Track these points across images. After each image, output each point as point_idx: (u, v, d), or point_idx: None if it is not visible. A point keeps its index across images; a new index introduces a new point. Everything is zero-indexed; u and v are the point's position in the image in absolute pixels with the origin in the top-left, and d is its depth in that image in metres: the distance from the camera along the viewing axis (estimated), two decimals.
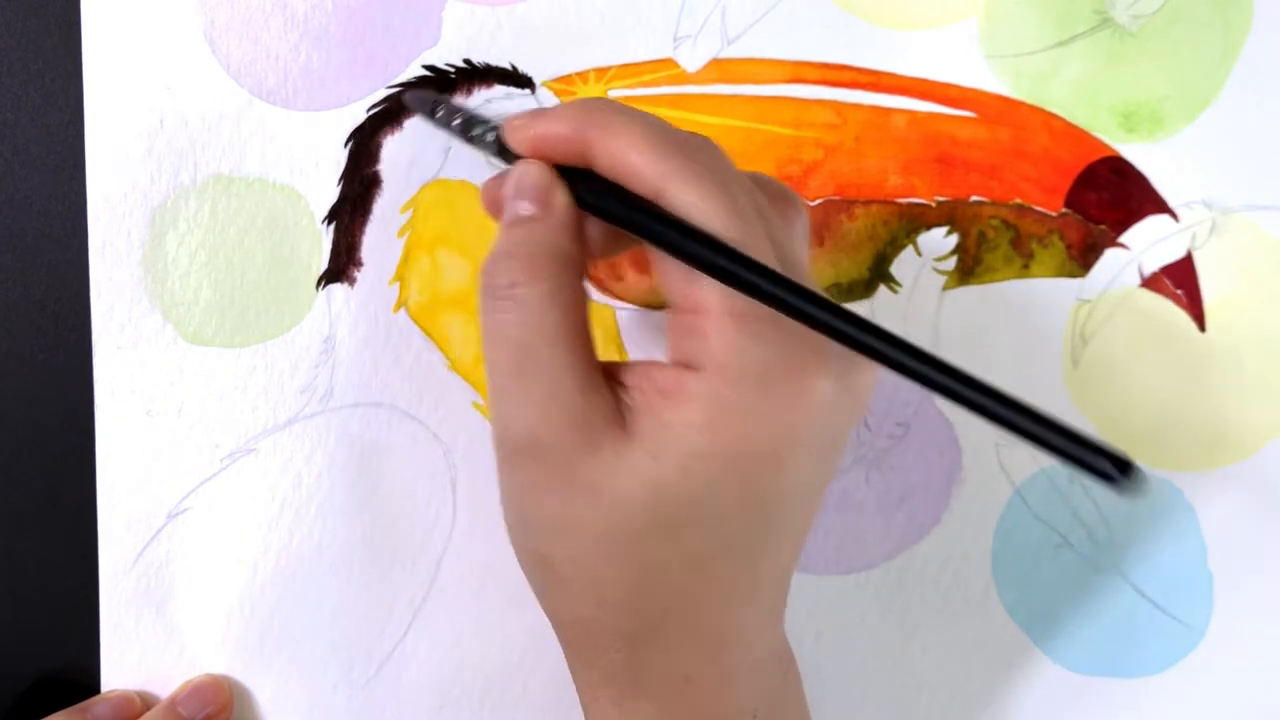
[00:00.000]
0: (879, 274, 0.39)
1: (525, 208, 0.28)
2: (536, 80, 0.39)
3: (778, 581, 0.30)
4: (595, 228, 0.29)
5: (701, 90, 0.39)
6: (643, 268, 0.39)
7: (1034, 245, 0.39)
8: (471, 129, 0.32)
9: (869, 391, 0.29)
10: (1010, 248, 0.39)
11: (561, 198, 0.28)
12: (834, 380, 0.27)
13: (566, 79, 0.39)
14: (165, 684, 0.39)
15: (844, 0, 0.39)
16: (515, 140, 0.29)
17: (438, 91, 0.39)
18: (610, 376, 0.28)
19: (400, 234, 0.39)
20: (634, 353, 0.39)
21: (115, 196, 0.39)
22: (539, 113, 0.29)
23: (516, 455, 0.28)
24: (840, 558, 0.40)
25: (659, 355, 0.39)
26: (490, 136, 0.31)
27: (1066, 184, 0.39)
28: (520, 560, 0.29)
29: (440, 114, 0.34)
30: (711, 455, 0.26)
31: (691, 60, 0.39)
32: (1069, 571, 0.40)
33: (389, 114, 0.39)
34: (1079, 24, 0.40)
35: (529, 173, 0.28)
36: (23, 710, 0.39)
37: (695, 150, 0.27)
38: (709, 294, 0.26)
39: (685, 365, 0.27)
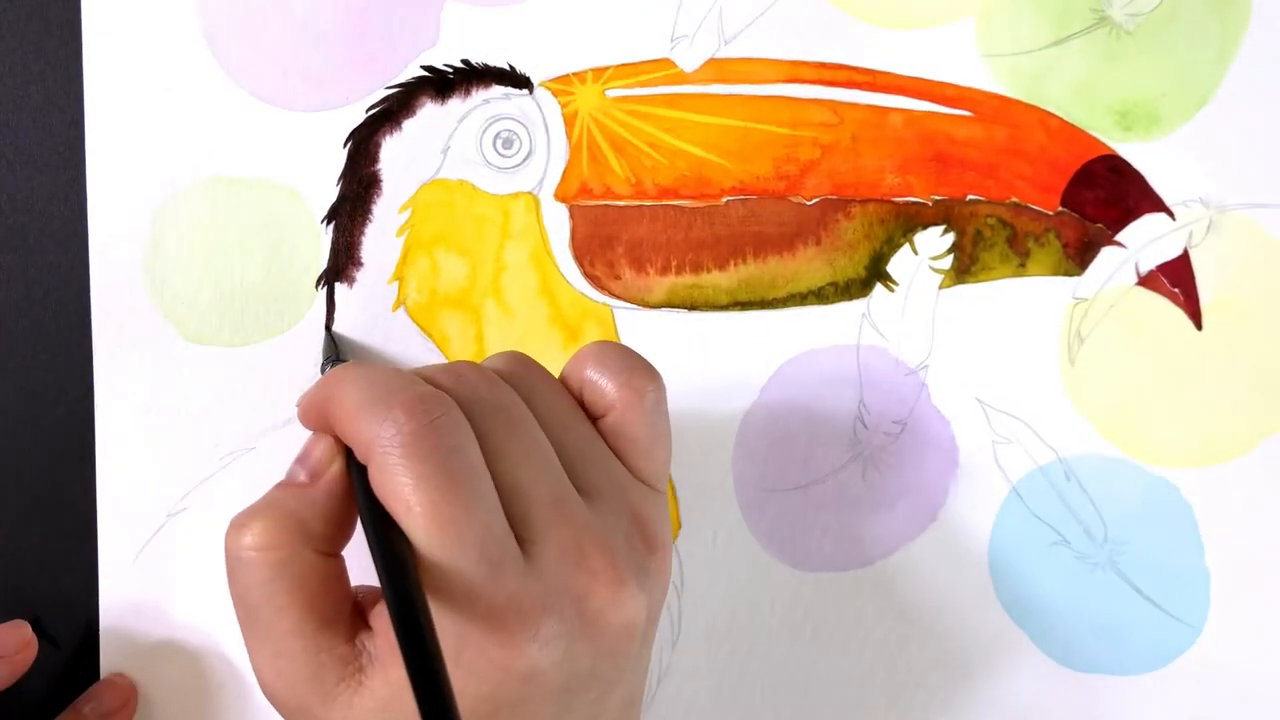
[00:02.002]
0: (876, 273, 0.40)
1: (298, 473, 0.29)
2: (534, 80, 0.39)
3: None
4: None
5: (698, 90, 0.39)
6: (640, 266, 0.39)
7: (1030, 244, 0.39)
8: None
9: (622, 633, 0.28)
10: (1006, 246, 0.39)
11: (332, 476, 0.29)
12: (542, 648, 0.26)
13: (564, 79, 0.39)
14: (163, 682, 0.39)
15: (841, 0, 0.40)
16: (299, 417, 0.30)
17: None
18: (362, 617, 0.28)
19: (399, 234, 0.39)
20: None
21: (115, 196, 0.39)
22: (309, 390, 0.30)
23: (268, 699, 0.29)
24: (837, 555, 0.40)
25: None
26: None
27: (1063, 182, 0.39)
28: None
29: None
30: None
31: (689, 60, 0.39)
32: (1066, 569, 0.40)
33: (388, 114, 0.39)
34: (1076, 23, 0.40)
35: (314, 445, 0.29)
36: (23, 708, 0.39)
37: (401, 412, 0.27)
38: (420, 564, 0.26)
39: (374, 633, 0.28)
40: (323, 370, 0.37)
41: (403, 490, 0.26)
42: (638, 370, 0.31)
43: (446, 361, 0.34)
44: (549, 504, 0.28)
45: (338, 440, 0.29)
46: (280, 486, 0.29)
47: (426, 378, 0.29)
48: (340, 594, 0.29)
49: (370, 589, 0.29)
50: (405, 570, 0.25)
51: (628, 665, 0.29)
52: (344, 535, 0.29)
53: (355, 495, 0.28)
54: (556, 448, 0.29)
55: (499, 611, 0.26)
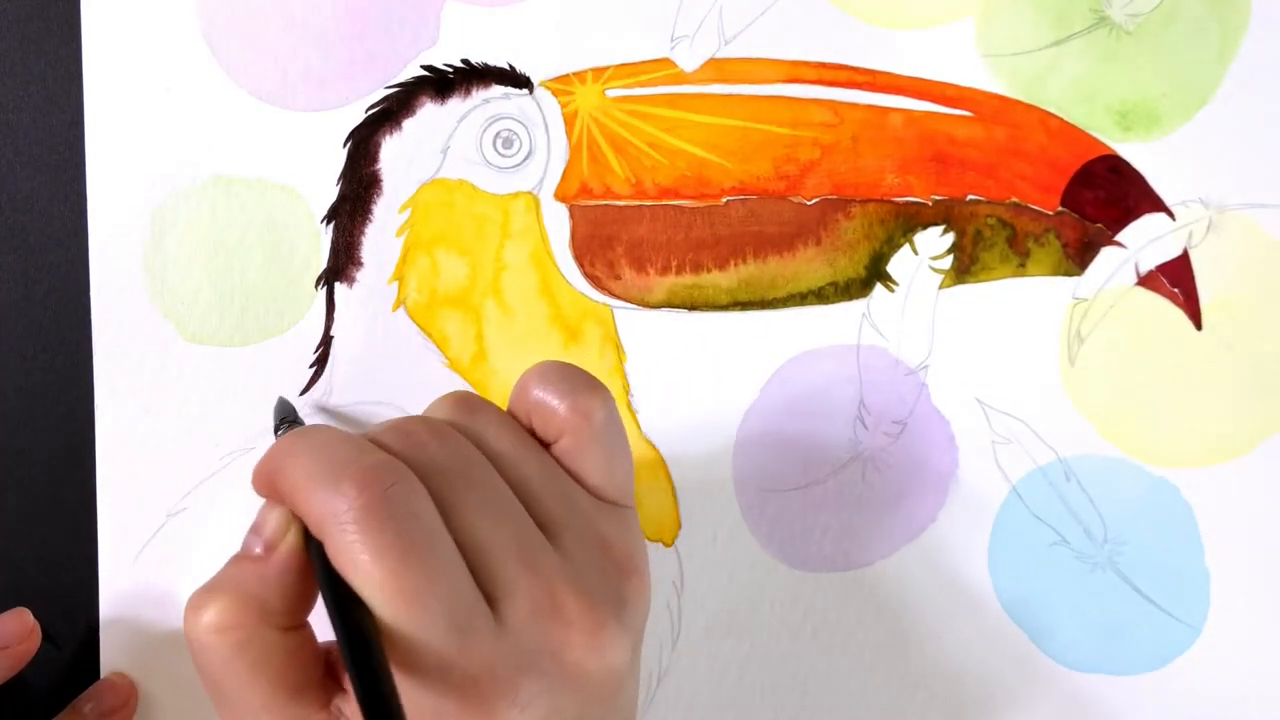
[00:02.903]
0: (876, 273, 0.40)
1: (253, 545, 0.28)
2: (535, 80, 0.39)
3: None
4: None
5: (698, 90, 0.39)
6: (640, 266, 0.39)
7: (1030, 244, 0.39)
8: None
9: (604, 679, 0.28)
10: (1006, 246, 0.39)
11: (288, 548, 0.27)
12: (524, 711, 0.26)
13: (564, 79, 0.39)
14: (163, 682, 0.39)
15: (841, 0, 0.40)
16: (252, 483, 0.29)
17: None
18: (335, 679, 0.28)
19: (399, 233, 0.39)
20: (632, 351, 0.40)
21: (115, 196, 0.39)
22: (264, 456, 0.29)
23: None
24: (837, 555, 0.40)
25: (655, 357, 0.39)
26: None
27: (1063, 183, 0.39)
28: None
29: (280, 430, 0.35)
30: None
31: (689, 60, 0.39)
32: (1066, 569, 0.40)
33: (387, 114, 0.39)
34: (1076, 23, 0.40)
35: (268, 516, 0.28)
36: (24, 707, 0.39)
37: (352, 486, 0.26)
38: (386, 639, 0.25)
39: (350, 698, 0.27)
40: (276, 433, 0.35)
41: (361, 564, 0.25)
42: (581, 390, 0.30)
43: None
44: (514, 557, 0.27)
45: (289, 514, 0.28)
46: (236, 561, 0.28)
47: (375, 441, 0.28)
48: (308, 660, 0.28)
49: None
50: (369, 648, 0.25)
51: (616, 704, 0.28)
52: (305, 607, 0.28)
53: (315, 565, 0.27)
54: (515, 485, 0.29)
55: (474, 680, 0.25)
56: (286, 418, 0.36)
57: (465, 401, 0.31)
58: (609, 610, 0.28)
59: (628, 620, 0.28)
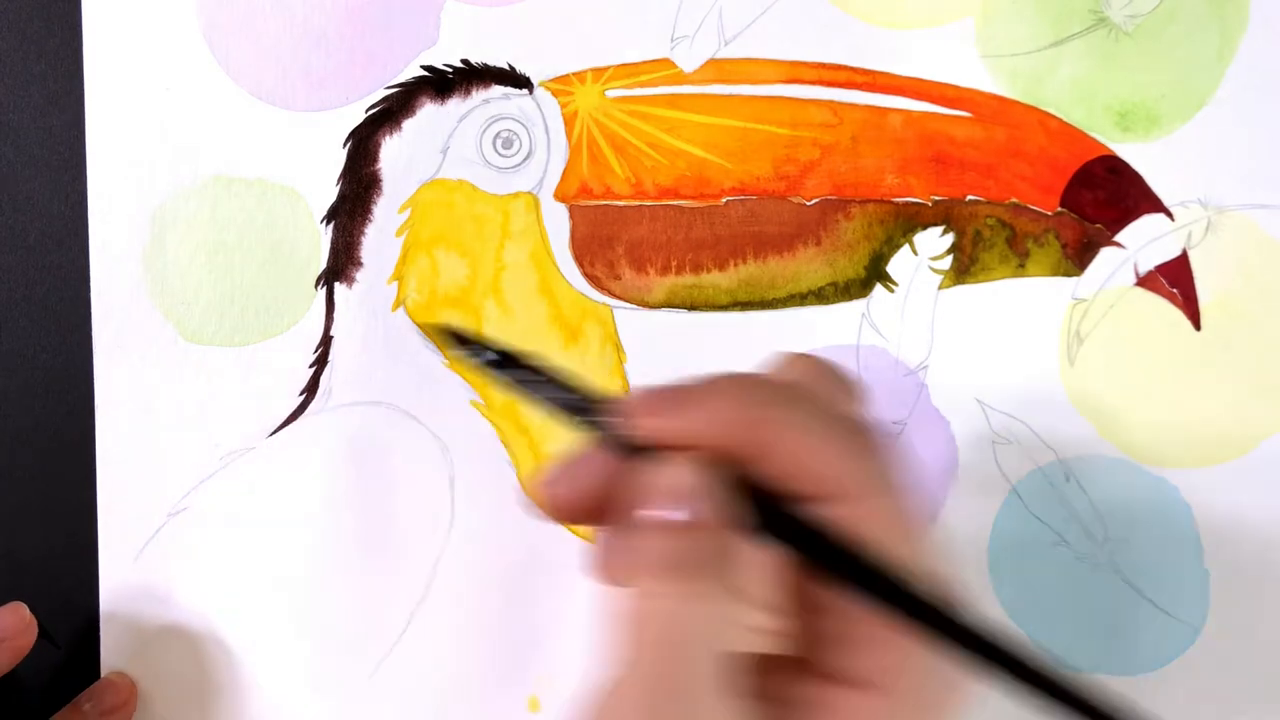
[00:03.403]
0: (875, 273, 0.40)
1: (672, 515, 0.23)
2: (534, 80, 0.39)
3: None
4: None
5: (698, 90, 0.39)
6: (640, 266, 0.39)
7: (1030, 244, 0.39)
8: (563, 406, 0.24)
9: None
10: (1006, 247, 0.39)
11: (715, 506, 0.23)
12: None
13: (564, 79, 0.39)
14: (163, 681, 0.39)
15: (841, 0, 0.40)
16: (649, 431, 0.23)
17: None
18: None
19: (399, 233, 0.39)
20: (632, 351, 0.40)
21: (116, 196, 0.39)
22: (676, 396, 0.23)
23: None
24: None
25: (655, 357, 0.39)
26: (596, 421, 0.24)
27: (1062, 183, 0.39)
28: None
29: (507, 368, 0.25)
30: None
31: (689, 60, 0.39)
32: (1065, 569, 0.40)
33: (387, 114, 0.39)
34: (1075, 23, 0.40)
35: (680, 474, 0.23)
36: (23, 705, 0.39)
37: (875, 454, 0.23)
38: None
39: (853, 683, 0.23)
40: (498, 369, 0.25)
41: (914, 530, 0.23)
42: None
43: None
44: None
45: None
46: (663, 532, 0.22)
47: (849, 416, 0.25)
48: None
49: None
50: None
51: None
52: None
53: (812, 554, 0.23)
54: None
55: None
56: (511, 357, 0.25)
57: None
58: None
59: None
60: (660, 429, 0.23)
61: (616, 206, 0.39)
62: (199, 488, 0.39)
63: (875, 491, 0.23)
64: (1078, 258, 0.40)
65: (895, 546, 0.23)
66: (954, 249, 0.40)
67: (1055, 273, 0.40)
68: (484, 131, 0.39)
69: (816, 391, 0.25)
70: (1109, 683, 0.40)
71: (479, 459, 0.39)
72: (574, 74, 0.39)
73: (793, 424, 0.23)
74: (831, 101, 0.39)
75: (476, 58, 0.39)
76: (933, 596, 0.23)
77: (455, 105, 0.39)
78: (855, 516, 0.23)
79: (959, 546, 0.40)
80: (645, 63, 0.39)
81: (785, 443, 0.23)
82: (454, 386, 0.39)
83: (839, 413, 0.24)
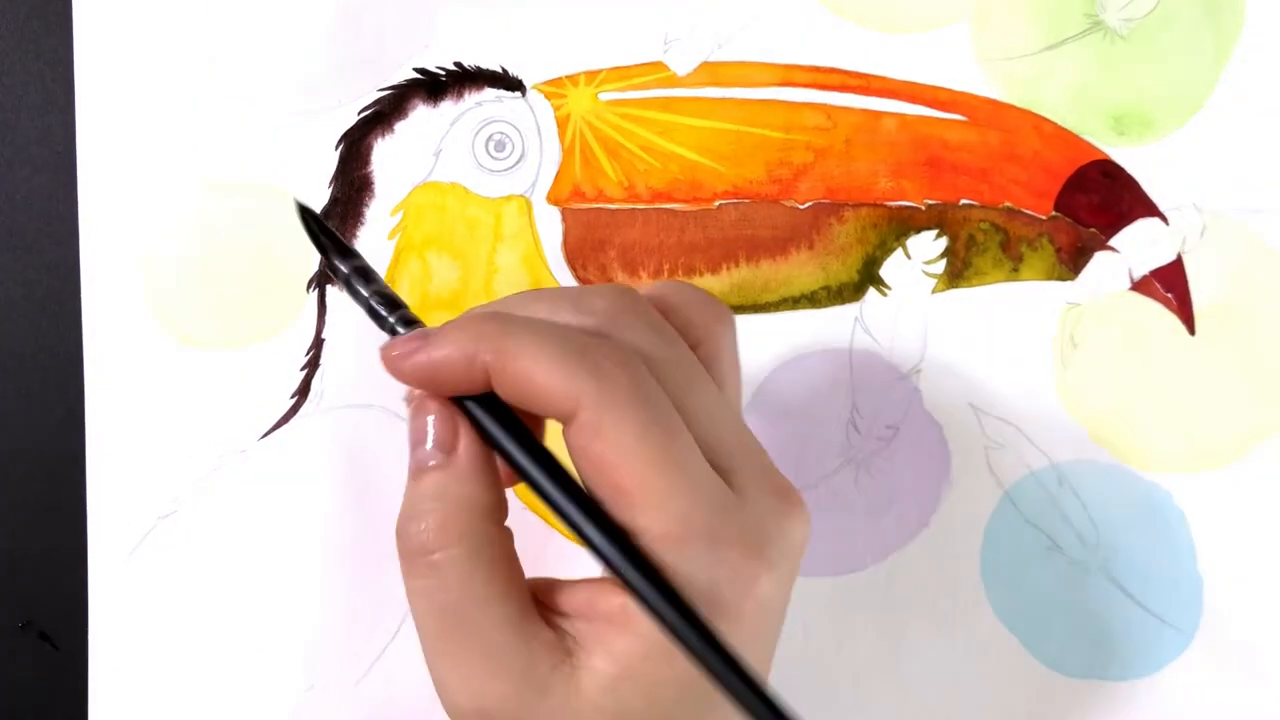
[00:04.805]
0: (868, 277, 0.40)
1: (427, 457, 0.27)
2: (527, 83, 0.39)
3: None
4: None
5: (692, 93, 0.39)
6: (632, 269, 0.39)
7: (1023, 248, 0.39)
8: (375, 310, 0.28)
9: (801, 552, 0.28)
10: (1000, 251, 0.39)
11: (468, 443, 0.27)
12: (773, 572, 0.26)
13: (557, 82, 0.39)
14: (153, 684, 0.39)
15: (834, 4, 0.40)
16: (402, 370, 0.27)
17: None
18: (546, 605, 0.27)
19: (390, 236, 0.39)
20: None
21: (108, 198, 0.39)
22: (426, 335, 0.27)
23: (469, 714, 0.27)
24: (829, 560, 0.40)
25: None
26: (393, 323, 0.28)
27: (1056, 187, 0.39)
28: None
29: (347, 276, 0.29)
30: (673, 681, 0.26)
31: (682, 63, 0.39)
32: (1058, 574, 0.40)
33: (379, 117, 0.39)
34: (1070, 27, 0.40)
35: (430, 421, 0.27)
36: (14, 709, 0.39)
37: (610, 364, 0.26)
38: (643, 520, 0.25)
39: (590, 616, 0.27)
40: (353, 283, 0.29)
41: (626, 442, 0.25)
42: (715, 300, 0.30)
43: (610, 301, 0.30)
44: (738, 438, 0.28)
45: (447, 405, 0.27)
46: (420, 475, 0.27)
47: (598, 329, 0.27)
48: (521, 575, 0.27)
49: (536, 581, 0.28)
50: (608, 521, 0.25)
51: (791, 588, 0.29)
52: (504, 501, 0.27)
53: (520, 458, 0.26)
54: None
55: (736, 544, 0.26)
56: (392, 300, 0.29)
57: (637, 294, 0.29)
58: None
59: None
60: (408, 366, 0.26)
61: (609, 210, 0.39)
62: (190, 490, 0.39)
63: (601, 408, 0.25)
64: (1072, 262, 0.40)
65: (621, 463, 0.25)
66: (947, 253, 0.39)
67: (1049, 277, 0.40)
68: (476, 134, 0.39)
69: (571, 320, 0.27)
70: (1101, 687, 0.40)
71: None
72: (567, 77, 0.39)
73: (520, 352, 0.25)
74: (825, 105, 0.39)
75: (469, 60, 0.39)
76: (611, 525, 0.25)
77: (448, 108, 0.39)
78: (583, 433, 0.25)
79: (951, 551, 0.40)
80: (638, 65, 0.39)
81: (513, 369, 0.25)
82: None
83: (577, 339, 0.26)
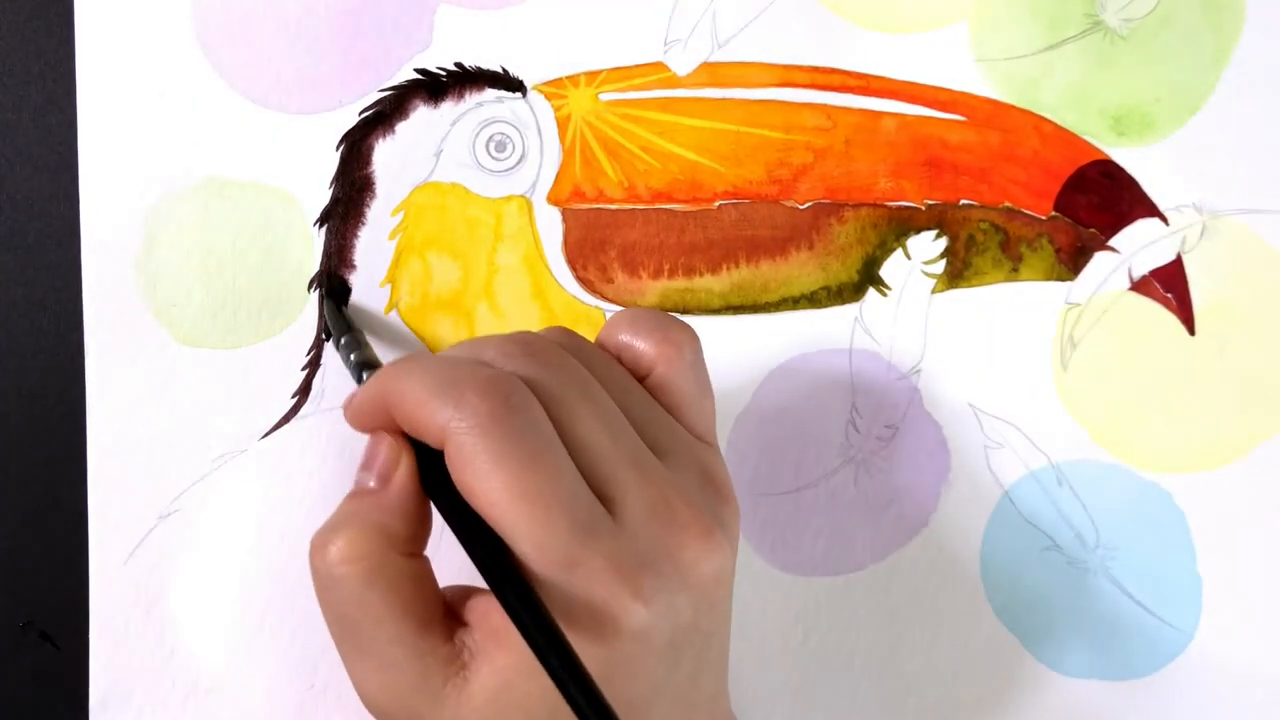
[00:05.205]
0: (868, 277, 0.40)
1: (366, 480, 0.29)
2: (527, 84, 0.39)
3: None
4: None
5: (692, 94, 0.39)
6: (632, 270, 0.39)
7: (1023, 249, 0.39)
8: (358, 375, 0.35)
9: (714, 583, 0.29)
10: (999, 251, 0.39)
11: (403, 475, 0.29)
12: (649, 604, 0.27)
13: (557, 82, 0.39)
14: (154, 685, 0.39)
15: (834, 4, 0.40)
16: (345, 417, 0.30)
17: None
18: (455, 615, 0.29)
19: (391, 236, 0.39)
20: None
21: (108, 199, 0.39)
22: (353, 396, 0.30)
23: (373, 713, 0.29)
24: (828, 559, 0.40)
25: None
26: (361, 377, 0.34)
27: (1056, 187, 0.39)
28: None
29: (343, 343, 0.36)
30: (542, 698, 0.27)
31: (682, 64, 0.39)
32: (1058, 574, 0.40)
33: (380, 117, 0.39)
34: (1070, 27, 0.40)
35: (377, 448, 0.29)
36: (14, 709, 0.39)
37: (473, 395, 0.27)
38: (510, 543, 0.27)
39: (484, 630, 0.28)
40: (360, 378, 0.35)
41: (483, 471, 0.26)
42: (672, 325, 0.32)
43: (503, 339, 0.33)
44: (629, 464, 0.28)
45: (400, 437, 0.29)
46: (353, 497, 0.29)
47: (484, 359, 0.29)
48: (431, 594, 0.29)
49: (455, 589, 0.30)
50: (500, 549, 0.26)
51: (720, 615, 0.30)
52: (425, 533, 0.29)
53: (428, 489, 0.28)
54: (621, 410, 0.30)
55: (599, 574, 0.26)
56: (366, 363, 0.36)
57: (567, 332, 0.32)
58: (714, 522, 0.29)
59: (730, 538, 0.30)
60: (349, 416, 0.30)
61: (609, 210, 0.39)
62: (190, 490, 0.39)
63: (460, 437, 0.26)
64: (1071, 262, 0.40)
65: (482, 490, 0.26)
66: (947, 253, 0.39)
67: (1049, 277, 0.40)
68: (477, 135, 0.39)
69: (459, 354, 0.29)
70: (1101, 687, 0.40)
71: None
72: (567, 77, 0.39)
73: (402, 391, 0.28)
74: (825, 105, 0.39)
75: (470, 61, 0.39)
76: (482, 543, 0.26)
77: (448, 108, 0.39)
78: (451, 462, 0.27)
79: (951, 551, 0.40)
80: (638, 66, 0.39)
81: (400, 409, 0.28)
82: None
83: (453, 373, 0.27)
